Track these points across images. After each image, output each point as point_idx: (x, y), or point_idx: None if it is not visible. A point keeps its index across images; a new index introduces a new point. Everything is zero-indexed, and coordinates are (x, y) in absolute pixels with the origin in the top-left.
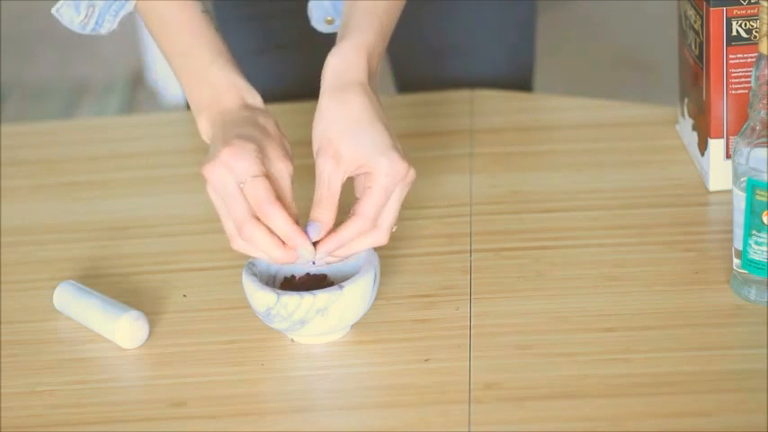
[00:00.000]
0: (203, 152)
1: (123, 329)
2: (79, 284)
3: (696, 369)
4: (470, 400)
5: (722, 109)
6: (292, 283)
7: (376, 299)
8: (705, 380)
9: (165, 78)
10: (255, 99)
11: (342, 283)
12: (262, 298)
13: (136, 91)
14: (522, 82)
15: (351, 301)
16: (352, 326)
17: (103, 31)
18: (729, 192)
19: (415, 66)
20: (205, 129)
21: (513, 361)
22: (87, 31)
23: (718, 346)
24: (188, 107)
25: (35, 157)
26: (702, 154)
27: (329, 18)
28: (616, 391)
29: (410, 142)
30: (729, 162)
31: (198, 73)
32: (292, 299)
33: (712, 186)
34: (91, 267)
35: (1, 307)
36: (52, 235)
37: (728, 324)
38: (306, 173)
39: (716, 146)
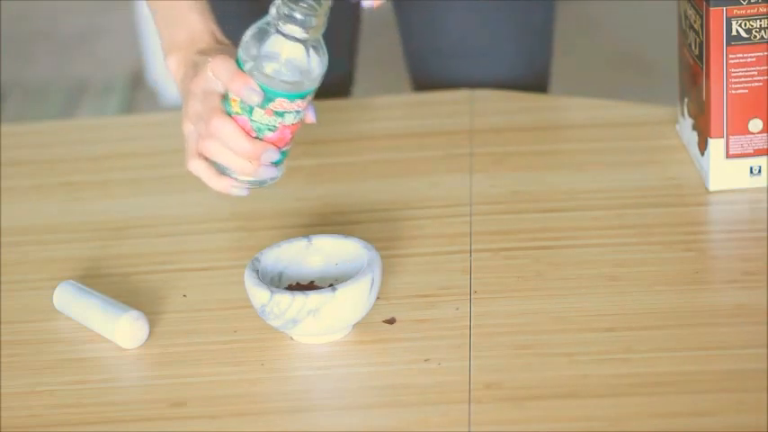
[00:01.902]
0: None
1: (123, 329)
2: (79, 284)
3: (696, 369)
4: (470, 400)
5: (722, 109)
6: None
7: (376, 299)
8: (705, 380)
9: (164, 78)
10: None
11: (335, 285)
12: (257, 294)
13: (135, 91)
14: (538, 85)
15: (343, 303)
16: (354, 325)
17: None
18: (729, 192)
19: (432, 68)
20: (175, 68)
21: (513, 361)
22: None
23: (718, 346)
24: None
25: (35, 157)
26: (702, 154)
27: None
28: (616, 391)
29: (410, 142)
30: (729, 162)
31: (177, 16)
32: (284, 298)
33: (712, 186)
34: (91, 267)
35: (1, 307)
36: (52, 235)
37: (728, 324)
38: (310, 173)
39: (716, 146)
